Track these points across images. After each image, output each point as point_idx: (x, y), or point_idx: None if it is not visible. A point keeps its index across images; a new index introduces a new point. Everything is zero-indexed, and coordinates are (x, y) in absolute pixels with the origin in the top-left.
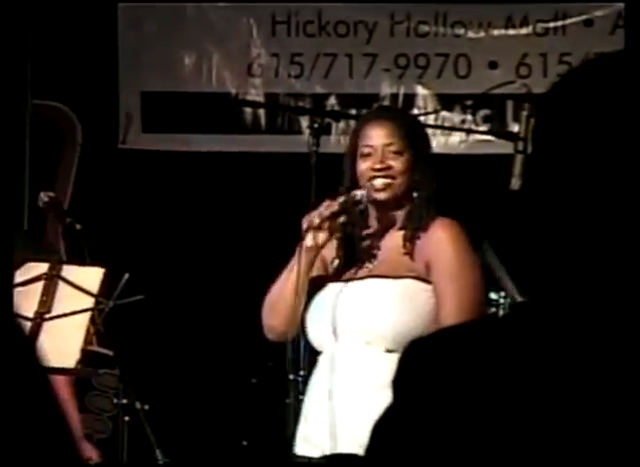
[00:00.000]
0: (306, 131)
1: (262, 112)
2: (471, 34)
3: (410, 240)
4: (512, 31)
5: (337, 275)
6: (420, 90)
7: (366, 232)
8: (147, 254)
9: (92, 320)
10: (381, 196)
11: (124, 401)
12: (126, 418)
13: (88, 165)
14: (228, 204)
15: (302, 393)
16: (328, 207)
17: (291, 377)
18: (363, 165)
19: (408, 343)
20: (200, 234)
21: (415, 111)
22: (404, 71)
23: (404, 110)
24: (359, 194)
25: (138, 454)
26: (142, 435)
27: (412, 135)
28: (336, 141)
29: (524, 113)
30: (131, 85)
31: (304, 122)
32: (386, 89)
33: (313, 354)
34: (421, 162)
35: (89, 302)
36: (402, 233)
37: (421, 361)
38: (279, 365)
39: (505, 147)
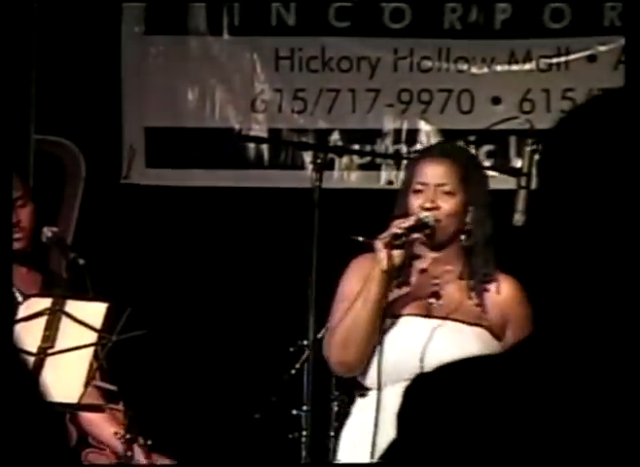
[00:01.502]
0: (310, 167)
1: (265, 147)
2: (474, 70)
3: (475, 291)
4: (515, 67)
5: (397, 307)
6: (423, 126)
7: (418, 266)
8: (150, 288)
9: (96, 355)
10: (433, 239)
11: (128, 436)
12: (130, 454)
13: (92, 200)
14: (231, 240)
15: (306, 428)
16: (404, 221)
17: (294, 412)
18: (414, 202)
19: (412, 379)
20: (203, 269)
21: (419, 146)
22: (407, 106)
23: (464, 148)
24: (423, 216)
25: None
26: None
27: (468, 177)
28: (339, 177)
29: (527, 148)
30: (135, 120)
31: (308, 157)
32: (389, 125)
33: (316, 389)
34: (475, 205)
35: (93, 337)
36: (463, 282)
37: (425, 396)
38: (282, 400)
39: (508, 182)
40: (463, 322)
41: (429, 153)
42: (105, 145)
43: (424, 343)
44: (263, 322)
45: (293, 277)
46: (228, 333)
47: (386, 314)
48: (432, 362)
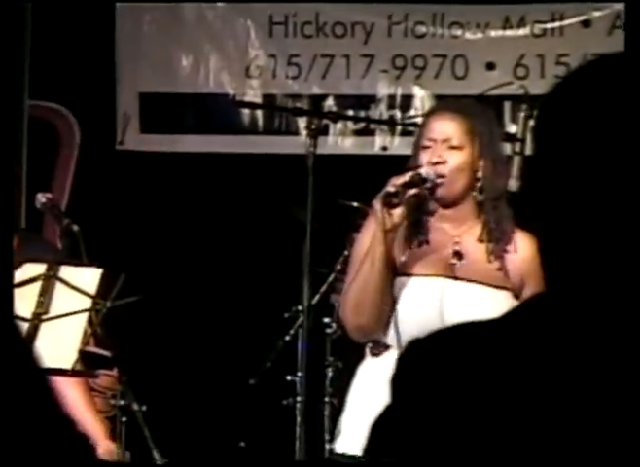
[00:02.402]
0: (304, 133)
1: (259, 113)
2: (468, 35)
3: (495, 254)
4: (509, 32)
5: (419, 267)
6: (418, 92)
7: (435, 225)
8: (145, 255)
9: (90, 321)
10: (436, 193)
11: (122, 402)
12: (124, 419)
13: (86, 166)
14: (225, 205)
15: (301, 394)
16: (398, 179)
17: (288, 378)
18: (423, 158)
19: (407, 343)
20: (198, 235)
21: (413, 112)
22: (401, 72)
23: (474, 103)
24: (424, 171)
25: (136, 456)
26: (140, 436)
27: (477, 131)
28: (333, 142)
29: (522, 114)
30: (129, 86)
31: (302, 123)
32: (384, 90)
33: (311, 355)
34: (485, 160)
35: (87, 302)
36: (483, 245)
37: (419, 360)
38: (277, 366)
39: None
40: (492, 286)
41: (437, 108)
42: (100, 111)
43: (452, 305)
44: (257, 288)
45: (287, 243)
46: (222, 299)
47: (407, 274)
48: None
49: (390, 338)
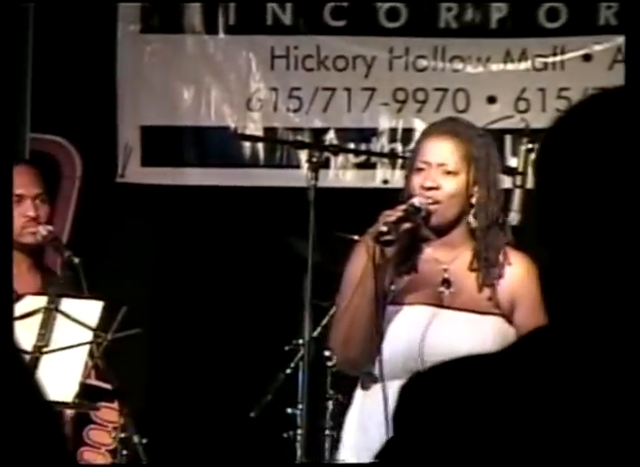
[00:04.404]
0: (305, 166)
1: (260, 146)
2: (469, 69)
3: (486, 284)
4: (510, 66)
5: (406, 296)
6: (419, 125)
7: (425, 251)
8: (146, 287)
9: (91, 354)
10: (430, 221)
11: (123, 435)
12: (125, 452)
13: (87, 199)
14: (226, 238)
15: (301, 427)
16: (391, 215)
17: (289, 411)
18: (415, 181)
19: (409, 376)
20: (199, 268)
21: (414, 145)
22: (402, 105)
23: (472, 126)
24: (416, 201)
25: None
26: None
27: (473, 156)
28: (334, 175)
29: (523, 148)
30: (130, 118)
31: (303, 156)
32: (385, 124)
33: (311, 388)
34: (479, 186)
35: (88, 335)
36: (474, 274)
37: (422, 394)
38: (277, 399)
39: (503, 182)
40: (480, 313)
41: (434, 130)
42: (101, 144)
43: (436, 334)
44: (258, 321)
45: (288, 276)
46: (223, 332)
47: (396, 303)
48: (448, 354)
49: (376, 368)
